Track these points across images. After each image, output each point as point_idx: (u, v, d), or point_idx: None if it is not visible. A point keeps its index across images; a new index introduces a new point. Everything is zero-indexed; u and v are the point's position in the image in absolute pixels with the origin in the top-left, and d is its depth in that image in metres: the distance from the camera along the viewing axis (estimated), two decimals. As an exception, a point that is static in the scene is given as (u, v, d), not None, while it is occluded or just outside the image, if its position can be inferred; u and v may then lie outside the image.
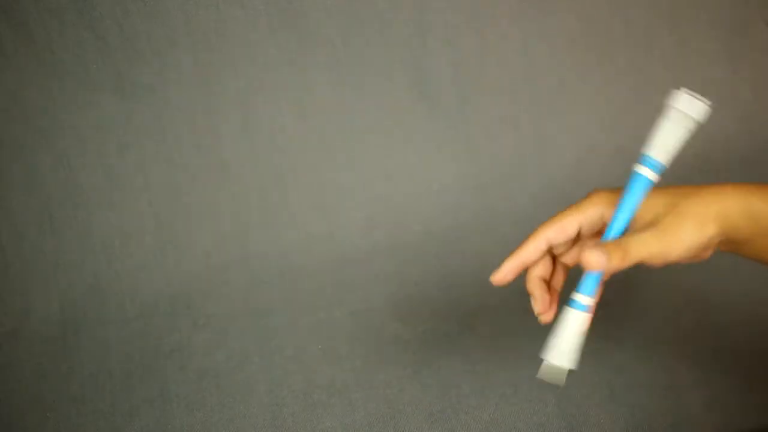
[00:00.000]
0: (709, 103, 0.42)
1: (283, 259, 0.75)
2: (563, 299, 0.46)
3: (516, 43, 0.82)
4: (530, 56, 0.83)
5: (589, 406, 0.62)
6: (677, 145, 0.43)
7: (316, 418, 0.63)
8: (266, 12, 0.75)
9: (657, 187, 0.44)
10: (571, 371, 0.44)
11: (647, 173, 0.44)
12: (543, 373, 0.45)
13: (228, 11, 0.74)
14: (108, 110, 0.73)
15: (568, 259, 0.48)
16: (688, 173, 0.85)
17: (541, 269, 0.48)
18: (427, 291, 0.73)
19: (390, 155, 0.80)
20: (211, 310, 0.72)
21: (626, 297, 0.71)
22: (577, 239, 0.47)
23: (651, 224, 0.43)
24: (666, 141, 0.44)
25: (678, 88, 0.43)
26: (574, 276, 0.52)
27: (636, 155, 0.91)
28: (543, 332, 0.71)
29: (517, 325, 0.69)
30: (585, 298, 0.44)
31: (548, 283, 0.48)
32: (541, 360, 0.45)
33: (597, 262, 0.41)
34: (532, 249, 0.47)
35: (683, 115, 0.44)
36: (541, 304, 0.47)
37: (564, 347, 0.45)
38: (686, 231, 0.42)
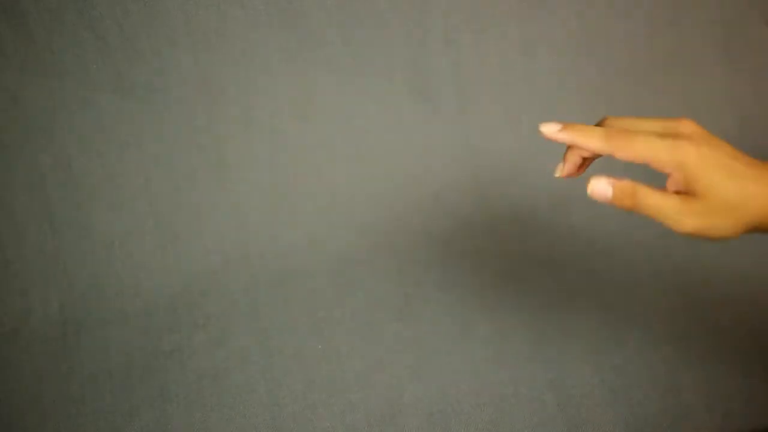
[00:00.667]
0: None
1: (283, 259, 0.76)
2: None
3: (516, 43, 0.82)
4: (530, 56, 0.83)
5: (589, 406, 0.63)
6: None
7: (316, 418, 0.63)
8: (266, 12, 0.75)
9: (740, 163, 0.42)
10: None
11: None
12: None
13: (228, 11, 0.74)
14: (108, 110, 0.73)
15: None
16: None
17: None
18: (427, 291, 0.73)
19: (390, 155, 0.80)
20: (211, 310, 0.72)
21: (626, 297, 0.71)
22: None
23: (694, 191, 0.42)
24: None
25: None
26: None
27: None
28: (542, 332, 0.72)
29: (517, 325, 0.69)
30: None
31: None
32: None
33: (600, 193, 0.42)
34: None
35: None
36: (568, 168, 0.48)
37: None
38: (719, 227, 0.42)
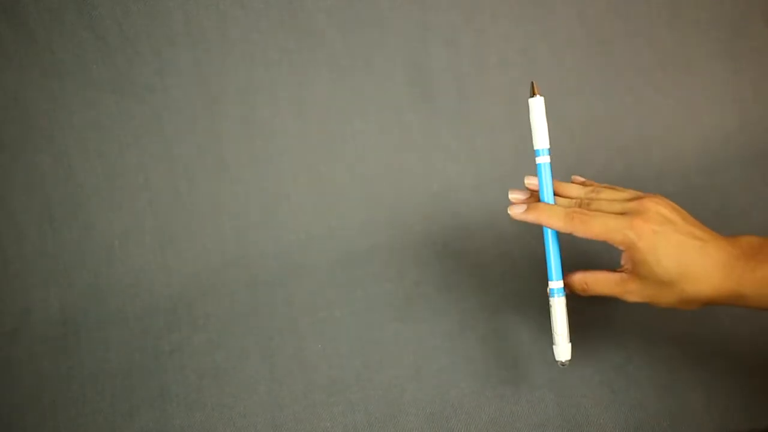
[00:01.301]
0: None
1: (283, 259, 0.75)
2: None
3: (516, 43, 0.82)
4: (530, 56, 0.83)
5: (589, 406, 0.63)
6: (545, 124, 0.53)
7: (316, 418, 0.63)
8: (266, 12, 0.75)
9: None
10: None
11: (544, 160, 0.54)
12: (561, 362, 0.54)
13: (228, 11, 0.74)
14: (108, 110, 0.73)
15: None
16: (688, 173, 0.85)
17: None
18: (427, 291, 0.73)
19: (390, 155, 0.80)
20: (211, 310, 0.72)
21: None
22: None
23: (635, 270, 0.49)
24: (541, 127, 0.53)
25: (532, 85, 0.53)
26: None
27: (636, 155, 0.91)
28: (542, 332, 0.71)
29: (517, 325, 0.69)
30: (558, 283, 0.53)
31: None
32: (559, 361, 0.54)
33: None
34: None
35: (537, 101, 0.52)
36: (521, 195, 0.56)
37: (565, 335, 0.54)
38: (661, 299, 0.50)
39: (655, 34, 0.85)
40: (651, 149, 0.85)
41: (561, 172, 0.87)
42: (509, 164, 0.82)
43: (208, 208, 0.76)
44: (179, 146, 0.75)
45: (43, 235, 0.72)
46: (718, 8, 0.86)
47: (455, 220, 0.79)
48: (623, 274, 0.50)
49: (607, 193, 0.52)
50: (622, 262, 0.51)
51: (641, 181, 0.83)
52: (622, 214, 0.48)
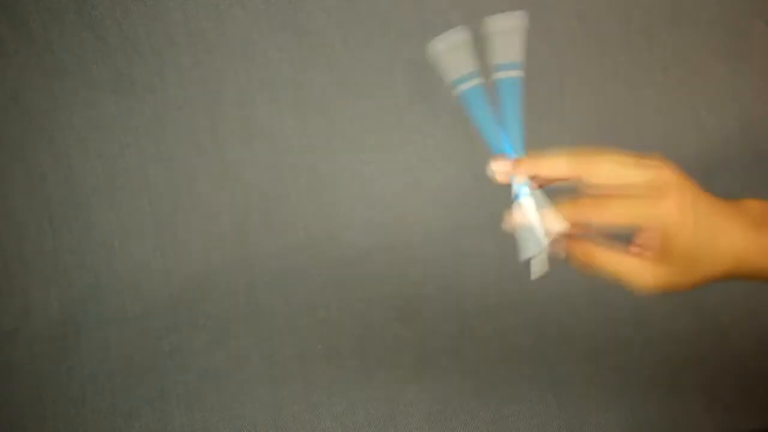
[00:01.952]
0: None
1: (283, 259, 0.75)
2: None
3: (516, 43, 0.82)
4: (530, 56, 0.83)
5: (589, 406, 0.63)
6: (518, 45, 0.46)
7: (316, 418, 0.63)
8: (266, 12, 0.75)
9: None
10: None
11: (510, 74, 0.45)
12: (534, 273, 0.46)
13: (228, 11, 0.74)
14: (108, 110, 0.73)
15: None
16: (688, 173, 0.85)
17: None
18: (427, 291, 0.73)
19: (390, 155, 0.80)
20: (211, 310, 0.72)
21: (626, 298, 0.71)
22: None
23: (667, 250, 0.43)
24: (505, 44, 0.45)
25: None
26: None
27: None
28: (542, 332, 0.71)
29: (517, 325, 0.69)
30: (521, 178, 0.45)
31: None
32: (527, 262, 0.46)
33: (552, 228, 0.44)
34: None
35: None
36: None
37: (535, 234, 0.45)
38: (678, 284, 0.44)
39: (655, 34, 0.85)
40: (651, 149, 0.85)
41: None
42: (509, 164, 0.82)
43: (208, 208, 0.76)
44: (179, 146, 0.75)
45: (43, 235, 0.72)
46: (718, 8, 0.86)
47: (455, 220, 0.79)
48: (645, 258, 0.43)
49: (616, 166, 0.45)
50: (642, 243, 0.45)
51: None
52: (643, 196, 0.43)
